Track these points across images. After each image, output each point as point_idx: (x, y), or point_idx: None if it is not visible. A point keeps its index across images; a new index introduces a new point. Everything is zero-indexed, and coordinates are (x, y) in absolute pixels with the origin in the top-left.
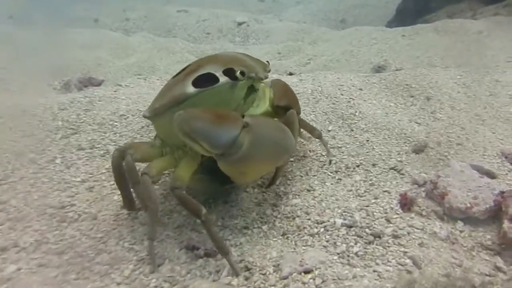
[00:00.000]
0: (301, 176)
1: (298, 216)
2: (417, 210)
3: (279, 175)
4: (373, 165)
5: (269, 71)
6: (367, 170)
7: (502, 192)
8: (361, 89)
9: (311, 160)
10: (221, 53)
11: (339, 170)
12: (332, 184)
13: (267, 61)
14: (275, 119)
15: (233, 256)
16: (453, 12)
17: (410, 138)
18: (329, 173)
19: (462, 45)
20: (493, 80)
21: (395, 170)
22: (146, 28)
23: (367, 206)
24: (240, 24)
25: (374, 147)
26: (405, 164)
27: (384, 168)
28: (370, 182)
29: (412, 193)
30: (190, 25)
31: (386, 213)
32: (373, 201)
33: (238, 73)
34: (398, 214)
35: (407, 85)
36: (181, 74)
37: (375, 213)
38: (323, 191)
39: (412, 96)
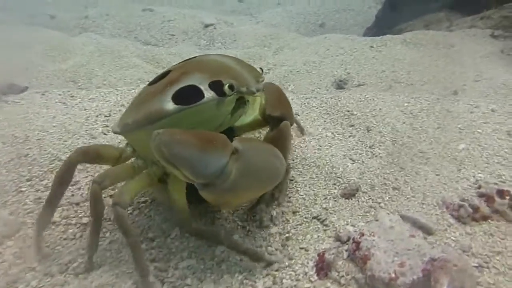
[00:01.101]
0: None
1: (187, 285)
2: (335, 277)
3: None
4: (294, 212)
5: (262, 81)
6: (286, 219)
7: (432, 260)
8: (297, 114)
9: None
10: (210, 57)
11: (252, 218)
12: (240, 237)
13: (261, 68)
14: (265, 140)
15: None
16: (430, 21)
17: (340, 179)
18: (239, 223)
19: (430, 60)
20: (443, 110)
21: (318, 220)
22: (106, 27)
23: (276, 271)
24: (207, 26)
25: (299, 189)
26: (331, 213)
27: (306, 217)
28: (286, 235)
29: (331, 253)
30: (154, 25)
31: (297, 280)
32: (286, 262)
33: (226, 87)
34: (311, 281)
35: (348, 111)
36: (160, 83)
37: (284, 280)
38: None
39: (352, 126)
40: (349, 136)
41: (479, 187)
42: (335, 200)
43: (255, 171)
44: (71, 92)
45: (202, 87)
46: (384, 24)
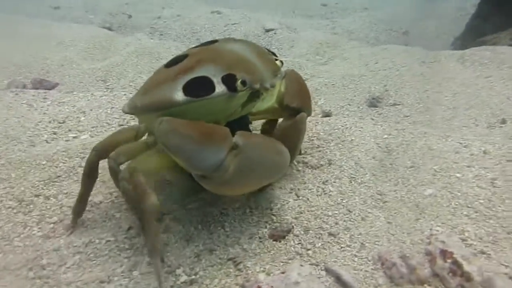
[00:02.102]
0: (96, 264)
1: None
2: None
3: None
4: (211, 251)
5: (279, 75)
6: (198, 259)
7: None
8: None
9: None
10: (229, 46)
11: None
12: (141, 274)
13: (281, 61)
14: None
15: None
16: None
17: (274, 217)
18: (145, 265)
19: (486, 81)
20: (425, 146)
21: (233, 262)
22: (174, 28)
23: None
24: (267, 30)
25: (226, 223)
26: (250, 256)
27: (220, 258)
28: (192, 277)
29: None
30: (217, 28)
31: None
32: None
33: (239, 83)
34: None
35: (318, 139)
36: (174, 69)
37: None
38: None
39: (315, 157)
40: (308, 167)
41: (429, 243)
42: (261, 241)
43: (254, 168)
44: (46, 94)
45: (214, 80)
46: (472, 35)
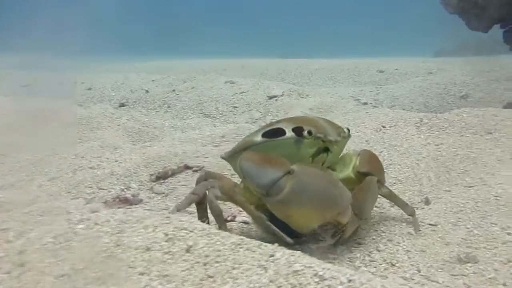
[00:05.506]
0: None
1: None
2: None
3: (346, 233)
4: None
5: (344, 137)
6: None
7: None
8: None
9: None
10: (302, 116)
11: None
12: None
13: (348, 129)
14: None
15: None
16: None
17: None
18: None
19: (431, 151)
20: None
21: None
22: (183, 100)
23: None
24: (270, 98)
25: None
26: None
27: None
28: None
29: None
30: (225, 97)
31: None
32: None
33: (305, 132)
34: None
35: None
36: (261, 126)
37: None
38: None
39: None
40: None
41: None
42: None
43: (308, 191)
44: None
45: (286, 129)
46: None
